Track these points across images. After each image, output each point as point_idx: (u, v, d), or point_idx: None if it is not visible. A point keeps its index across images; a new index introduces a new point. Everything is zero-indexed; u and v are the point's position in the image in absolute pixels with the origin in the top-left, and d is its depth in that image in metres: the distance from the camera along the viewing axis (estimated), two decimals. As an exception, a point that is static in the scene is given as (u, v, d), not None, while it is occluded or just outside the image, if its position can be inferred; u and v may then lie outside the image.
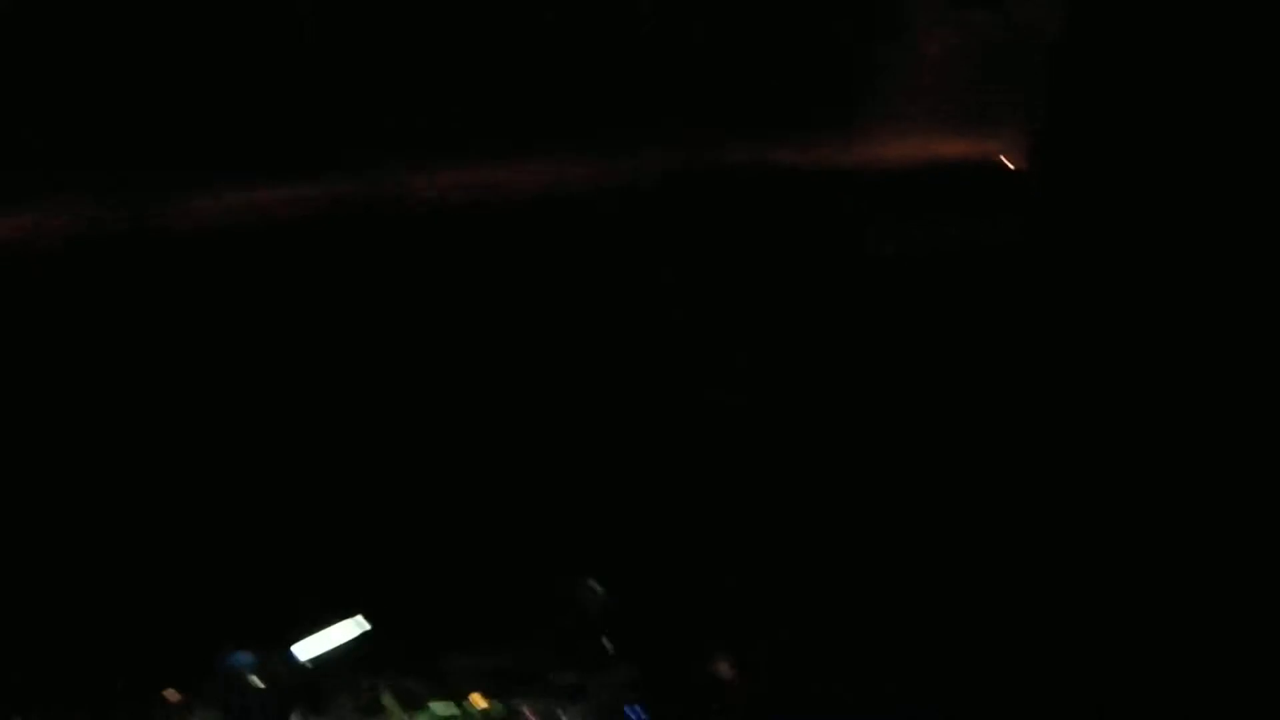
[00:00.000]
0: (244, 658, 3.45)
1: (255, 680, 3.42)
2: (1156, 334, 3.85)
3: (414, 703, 3.52)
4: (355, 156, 4.09)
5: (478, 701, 3.47)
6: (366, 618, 3.65)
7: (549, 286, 4.13)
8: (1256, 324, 3.78)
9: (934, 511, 3.79)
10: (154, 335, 4.00)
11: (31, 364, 3.91)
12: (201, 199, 4.09)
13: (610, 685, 3.41)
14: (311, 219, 4.11)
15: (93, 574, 3.71)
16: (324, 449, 3.95)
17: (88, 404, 3.89)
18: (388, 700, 3.55)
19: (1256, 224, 3.85)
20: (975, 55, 4.40)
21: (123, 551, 3.76)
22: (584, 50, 4.13)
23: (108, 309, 3.99)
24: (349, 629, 3.58)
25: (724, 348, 4.03)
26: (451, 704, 3.47)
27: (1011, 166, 4.40)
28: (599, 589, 3.73)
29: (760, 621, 3.57)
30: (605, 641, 3.58)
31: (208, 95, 3.97)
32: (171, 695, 3.43)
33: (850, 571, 3.65)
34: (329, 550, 3.82)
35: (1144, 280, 3.93)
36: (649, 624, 3.59)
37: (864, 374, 4.07)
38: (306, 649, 3.46)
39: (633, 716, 3.21)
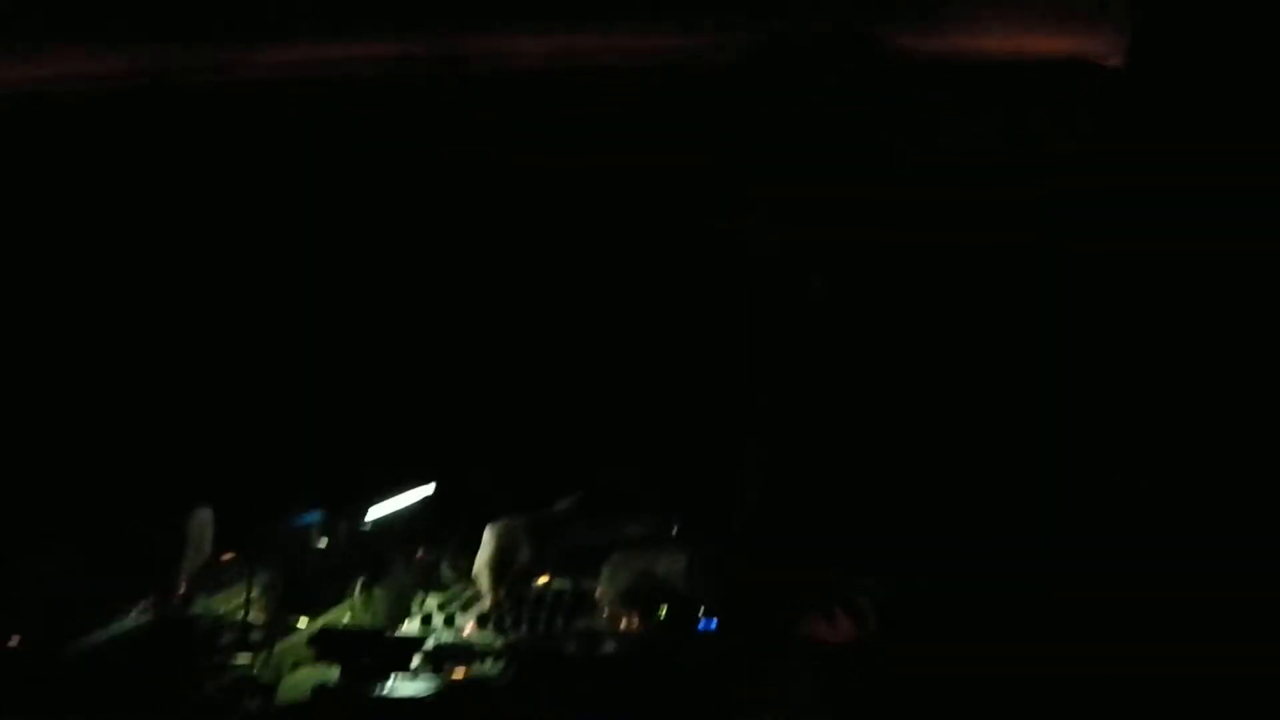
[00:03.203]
0: (310, 517, 3.40)
1: (317, 542, 3.37)
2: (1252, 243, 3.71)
3: (476, 579, 3.46)
4: (432, 11, 3.94)
5: (545, 580, 3.41)
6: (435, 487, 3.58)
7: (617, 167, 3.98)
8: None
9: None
10: (216, 192, 3.89)
11: (86, 218, 3.81)
12: (265, 52, 3.95)
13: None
14: (381, 78, 3.98)
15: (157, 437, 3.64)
16: (399, 316, 3.85)
17: (153, 252, 3.78)
18: (448, 574, 3.50)
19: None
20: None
21: (185, 413, 3.69)
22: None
23: (166, 164, 3.87)
24: (413, 494, 3.51)
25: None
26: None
27: (1106, 64, 4.26)
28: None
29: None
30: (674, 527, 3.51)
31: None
32: (230, 555, 3.37)
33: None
34: (400, 417, 3.74)
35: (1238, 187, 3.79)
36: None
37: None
38: (371, 512, 3.39)
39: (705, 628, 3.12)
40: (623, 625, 3.10)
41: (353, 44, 3.86)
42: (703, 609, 3.07)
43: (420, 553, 3.48)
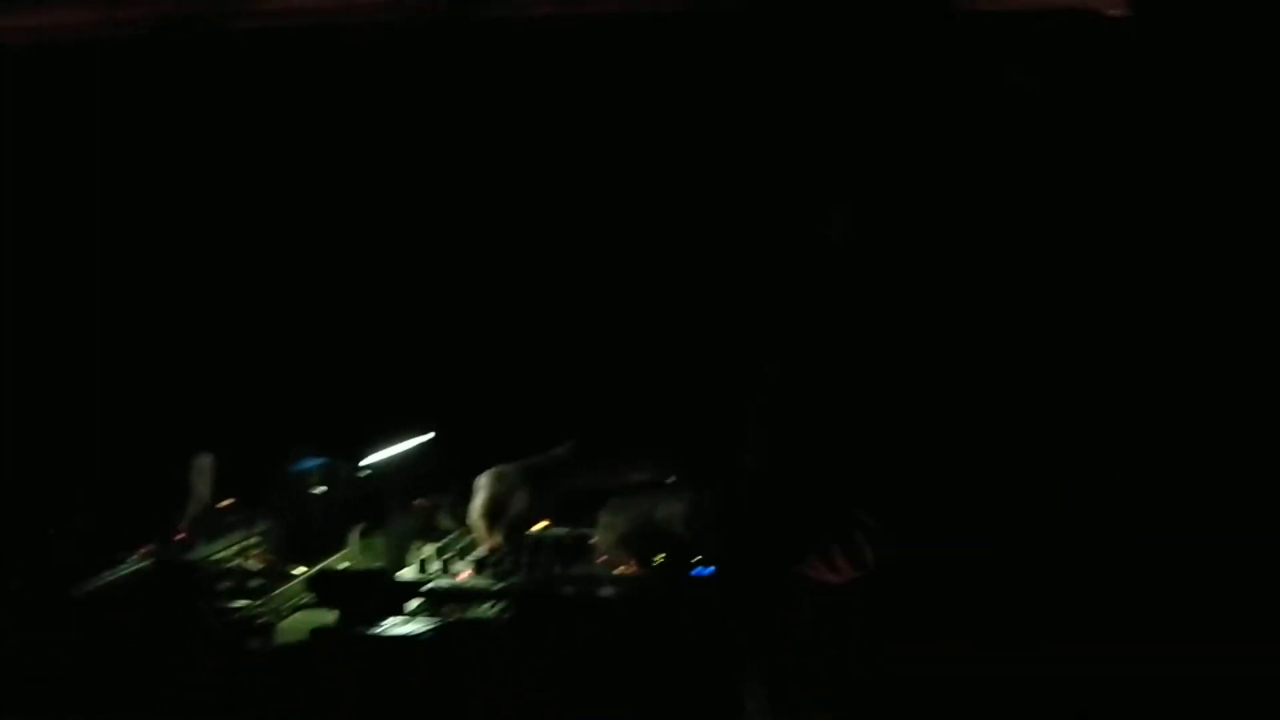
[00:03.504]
0: (309, 464, 3.40)
1: (317, 488, 3.37)
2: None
3: (474, 526, 3.48)
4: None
5: (543, 526, 3.42)
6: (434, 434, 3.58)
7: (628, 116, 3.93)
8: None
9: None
10: (217, 141, 3.88)
11: (93, 162, 3.81)
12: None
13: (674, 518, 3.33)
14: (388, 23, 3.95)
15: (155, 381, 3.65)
16: (400, 263, 3.84)
17: (163, 195, 3.78)
18: (446, 521, 3.51)
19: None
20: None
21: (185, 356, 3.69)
22: None
23: (177, 109, 3.86)
24: (411, 440, 3.51)
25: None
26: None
27: (1111, 14, 4.23)
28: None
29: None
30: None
31: None
32: (229, 501, 3.39)
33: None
34: (400, 364, 3.73)
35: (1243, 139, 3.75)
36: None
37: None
38: (370, 458, 3.40)
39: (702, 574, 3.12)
40: (619, 570, 3.11)
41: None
42: (700, 556, 3.07)
43: (419, 500, 3.48)
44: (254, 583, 3.10)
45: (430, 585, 3.05)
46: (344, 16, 3.81)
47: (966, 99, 3.90)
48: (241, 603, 3.00)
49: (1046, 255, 3.78)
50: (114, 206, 3.83)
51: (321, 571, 3.08)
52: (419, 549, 3.30)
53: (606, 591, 2.98)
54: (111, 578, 3.07)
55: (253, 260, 3.78)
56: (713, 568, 3.05)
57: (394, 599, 2.93)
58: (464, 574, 3.13)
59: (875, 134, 3.68)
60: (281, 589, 3.06)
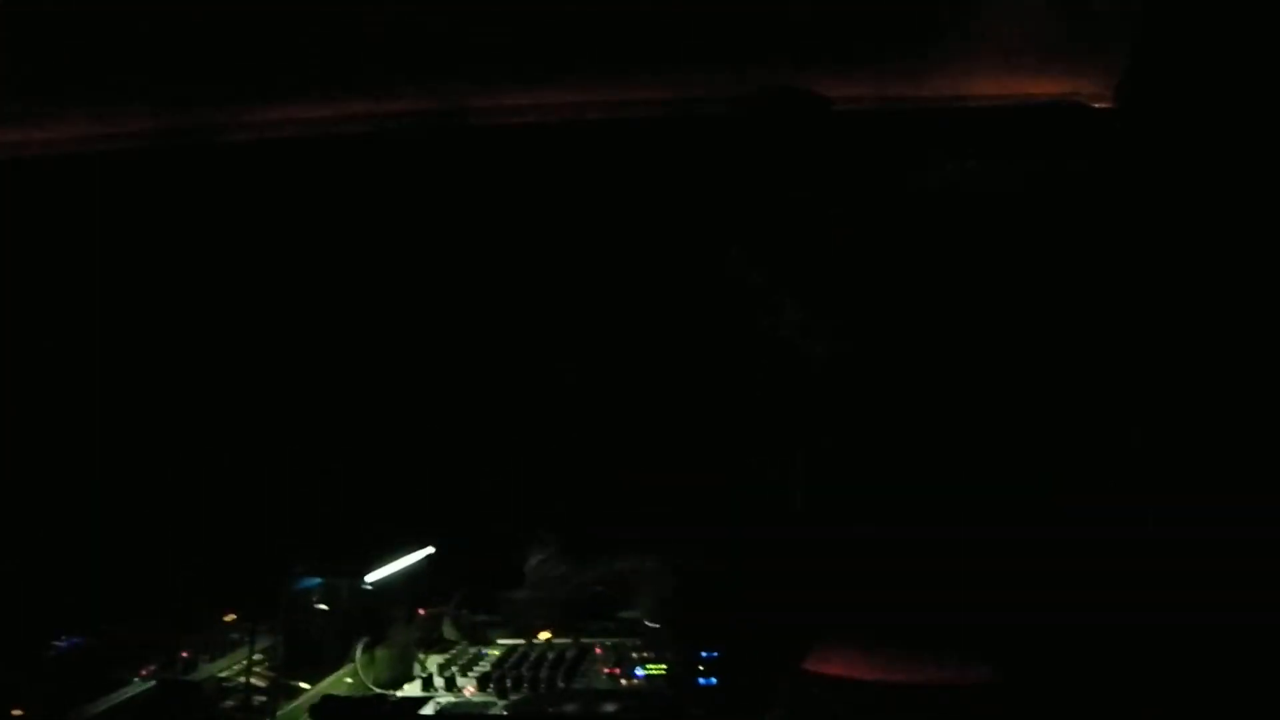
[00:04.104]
0: (309, 581, 3.40)
1: (319, 604, 3.37)
2: (1243, 288, 3.68)
3: (477, 637, 3.50)
4: (418, 72, 3.94)
5: (546, 637, 3.44)
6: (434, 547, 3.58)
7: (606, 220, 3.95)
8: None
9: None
10: (216, 250, 3.91)
11: (85, 278, 3.83)
12: (267, 112, 3.97)
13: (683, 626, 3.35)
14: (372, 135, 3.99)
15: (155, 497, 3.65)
16: (392, 375, 3.85)
17: (155, 316, 3.80)
18: (449, 631, 3.52)
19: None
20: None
21: (186, 474, 3.69)
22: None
23: (162, 223, 3.89)
24: (414, 554, 3.51)
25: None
26: (519, 639, 3.43)
27: (1096, 107, 4.27)
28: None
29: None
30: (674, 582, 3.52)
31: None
32: (232, 618, 3.39)
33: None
34: (398, 478, 3.73)
35: (1230, 231, 3.77)
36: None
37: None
38: (372, 574, 3.40)
39: (706, 658, 3.13)
40: (623, 682, 3.12)
41: (350, 103, 3.88)
42: (702, 667, 3.07)
43: (422, 610, 3.49)
44: (258, 701, 3.08)
45: (433, 706, 3.04)
46: (335, 127, 3.87)
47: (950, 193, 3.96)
48: (246, 726, 2.98)
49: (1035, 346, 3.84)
50: (112, 314, 3.85)
51: (324, 696, 3.06)
52: (423, 661, 3.31)
53: (610, 705, 2.97)
54: (115, 700, 3.06)
55: (250, 377, 3.80)
56: (714, 679, 3.05)
57: (399, 720, 2.92)
58: (468, 689, 3.12)
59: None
60: (285, 709, 3.05)
